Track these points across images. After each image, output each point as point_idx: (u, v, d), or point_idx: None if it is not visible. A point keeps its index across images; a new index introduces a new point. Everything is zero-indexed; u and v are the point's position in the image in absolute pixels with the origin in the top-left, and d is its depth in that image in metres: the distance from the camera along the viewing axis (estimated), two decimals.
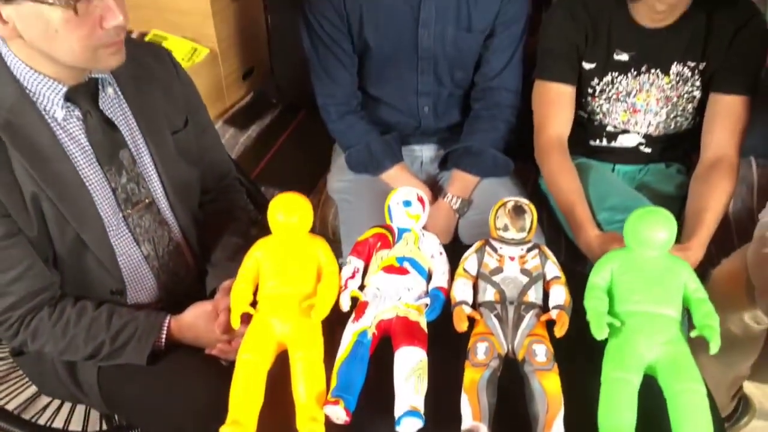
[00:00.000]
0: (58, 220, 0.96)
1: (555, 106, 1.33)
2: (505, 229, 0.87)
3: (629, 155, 1.41)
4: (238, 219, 1.20)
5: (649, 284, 0.81)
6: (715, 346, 0.76)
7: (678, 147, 1.40)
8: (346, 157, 1.45)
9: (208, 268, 1.14)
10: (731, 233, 1.42)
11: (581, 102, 1.37)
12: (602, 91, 1.35)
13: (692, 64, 1.29)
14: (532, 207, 0.88)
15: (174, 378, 1.02)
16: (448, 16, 1.34)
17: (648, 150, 1.40)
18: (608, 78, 1.33)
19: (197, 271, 1.17)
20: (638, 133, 1.38)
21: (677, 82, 1.31)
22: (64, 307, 1.00)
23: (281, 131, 1.75)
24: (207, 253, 1.16)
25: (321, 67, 1.39)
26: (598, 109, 1.37)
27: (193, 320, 1.02)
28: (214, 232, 1.17)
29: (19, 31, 0.86)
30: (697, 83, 1.30)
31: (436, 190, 1.46)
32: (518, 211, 0.87)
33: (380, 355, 0.81)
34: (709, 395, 0.74)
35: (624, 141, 1.40)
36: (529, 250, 0.87)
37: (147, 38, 1.75)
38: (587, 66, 1.33)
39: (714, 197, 1.19)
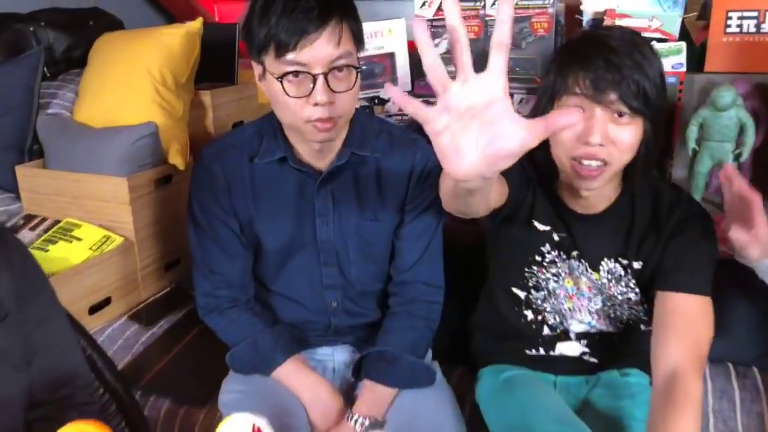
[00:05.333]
0: None
1: None
2: None
3: (572, 365, 1.19)
4: None
5: None
6: None
7: (630, 344, 1.17)
8: (228, 358, 1.22)
9: None
10: None
11: (524, 275, 1.17)
12: (552, 262, 1.15)
13: (625, 262, 1.12)
14: None
15: None
16: (347, 205, 1.20)
17: (594, 360, 1.18)
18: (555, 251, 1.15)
19: None
20: (580, 341, 1.17)
21: (609, 280, 1.13)
22: None
23: (192, 327, 1.54)
24: None
25: (204, 262, 1.23)
26: (543, 284, 1.17)
27: None
28: None
29: None
30: (632, 284, 1.12)
31: (352, 401, 1.20)
32: None
33: None
34: None
35: (564, 350, 1.18)
36: None
37: (59, 225, 1.62)
38: (540, 227, 1.14)
39: None
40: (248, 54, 1.10)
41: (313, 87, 1.02)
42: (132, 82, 1.71)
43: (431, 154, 1.23)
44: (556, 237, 1.14)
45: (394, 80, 2.04)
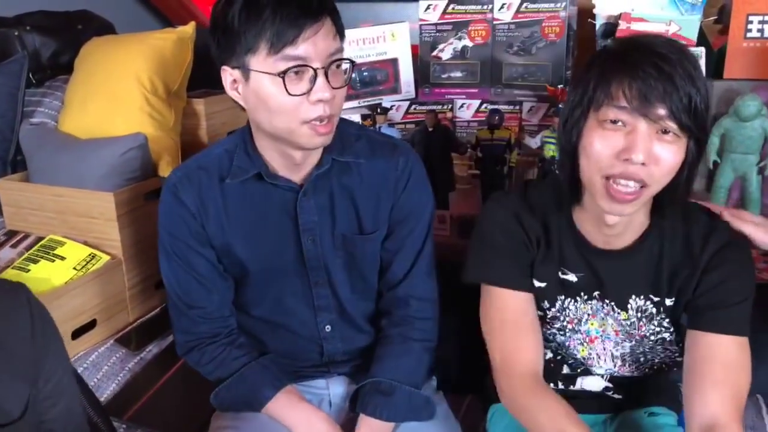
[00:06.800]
0: None
1: (516, 326, 1.02)
2: None
3: (594, 402, 1.09)
4: None
5: None
6: None
7: (657, 380, 1.07)
8: (213, 398, 1.13)
9: None
10: None
11: None
12: (555, 317, 1.06)
13: (656, 299, 1.01)
14: None
15: None
16: (333, 218, 1.12)
17: (618, 396, 1.08)
18: (559, 303, 1.05)
19: None
20: (602, 375, 1.07)
21: (639, 319, 1.03)
22: None
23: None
24: None
25: (180, 297, 1.14)
26: (551, 338, 1.07)
27: None
28: None
29: None
30: (665, 323, 1.02)
31: None
32: None
33: None
34: None
35: (586, 384, 1.07)
36: None
37: (42, 243, 1.53)
38: (537, 283, 1.05)
39: None
40: (220, 60, 1.02)
41: (314, 83, 0.96)
42: (120, 90, 1.61)
43: (415, 159, 1.16)
44: (573, 278, 1.03)
45: (397, 87, 1.95)
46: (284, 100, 0.96)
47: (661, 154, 0.87)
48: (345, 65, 1.01)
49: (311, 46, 0.94)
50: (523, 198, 1.04)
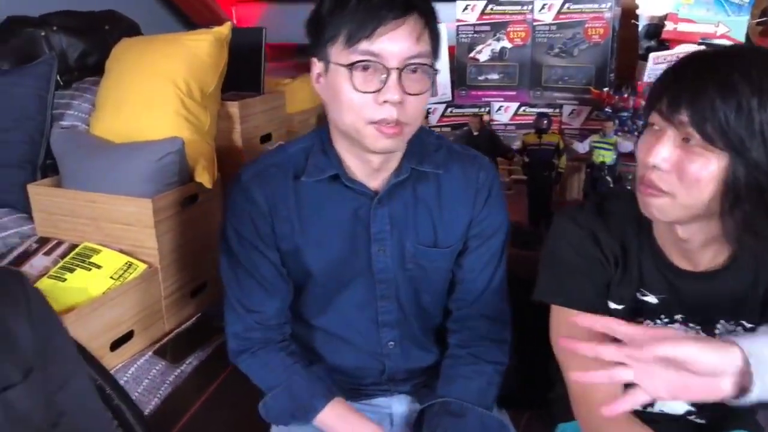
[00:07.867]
0: None
1: None
2: None
3: (674, 426, 1.04)
4: None
5: None
6: None
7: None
8: (261, 407, 1.09)
9: None
10: None
11: None
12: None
13: (749, 326, 0.95)
14: None
15: None
16: (407, 229, 1.07)
17: (701, 421, 1.03)
18: None
19: None
20: None
21: None
22: None
23: (224, 364, 1.38)
24: None
25: (239, 299, 1.10)
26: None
27: None
28: None
29: None
30: None
31: None
32: None
33: None
34: None
35: (667, 407, 1.02)
36: None
37: (77, 251, 1.47)
38: (612, 305, 1.00)
39: None
40: (310, 51, 0.99)
41: (385, 83, 0.91)
42: (155, 92, 1.56)
43: (495, 173, 1.12)
44: (653, 300, 0.98)
45: (433, 90, 1.90)
46: (352, 96, 0.92)
47: (684, 164, 0.82)
48: (426, 71, 0.95)
49: (388, 42, 0.90)
50: (598, 213, 0.99)
